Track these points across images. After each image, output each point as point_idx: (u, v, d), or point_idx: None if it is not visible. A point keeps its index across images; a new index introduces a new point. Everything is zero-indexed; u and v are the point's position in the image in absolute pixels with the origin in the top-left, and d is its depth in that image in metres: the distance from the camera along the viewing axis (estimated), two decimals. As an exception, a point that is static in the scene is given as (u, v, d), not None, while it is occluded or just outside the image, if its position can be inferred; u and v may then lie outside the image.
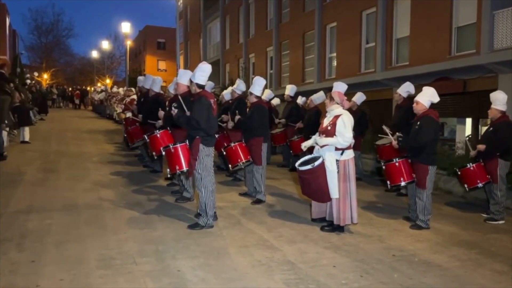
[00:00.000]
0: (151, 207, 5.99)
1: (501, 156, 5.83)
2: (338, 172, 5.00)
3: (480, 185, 6.01)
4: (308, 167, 5.04)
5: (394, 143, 5.71)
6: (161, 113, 5.99)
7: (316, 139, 5.20)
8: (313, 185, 5.09)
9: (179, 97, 5.49)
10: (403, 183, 5.61)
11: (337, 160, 5.01)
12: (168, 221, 5.35)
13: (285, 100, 10.05)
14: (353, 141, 5.16)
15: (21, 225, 4.95)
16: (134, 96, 11.73)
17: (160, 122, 6.79)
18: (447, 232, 5.38)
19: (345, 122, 4.97)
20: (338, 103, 5.17)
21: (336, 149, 5.02)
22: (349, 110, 8.42)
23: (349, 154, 5.09)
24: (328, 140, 5.02)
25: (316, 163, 4.99)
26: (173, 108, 5.20)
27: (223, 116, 7.54)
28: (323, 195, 5.08)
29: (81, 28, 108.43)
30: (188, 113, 5.11)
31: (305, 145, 5.43)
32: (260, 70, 22.51)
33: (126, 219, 5.35)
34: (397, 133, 5.83)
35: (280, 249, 4.52)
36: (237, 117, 6.76)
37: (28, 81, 22.18)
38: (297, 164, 5.27)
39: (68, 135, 14.11)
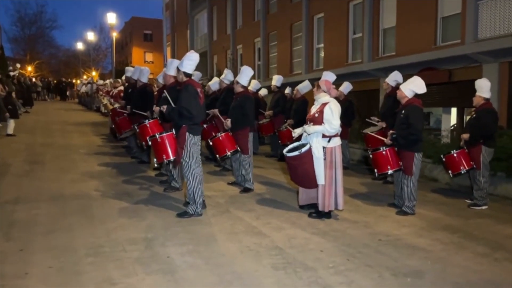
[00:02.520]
0: (140, 197, 5.99)
1: (484, 143, 5.94)
2: (324, 159, 5.07)
3: (463, 171, 6.12)
4: (295, 153, 5.11)
5: (387, 141, 5.74)
6: (156, 108, 6.01)
7: (304, 127, 5.25)
8: (300, 171, 5.15)
9: (165, 92, 5.49)
10: (390, 171, 5.69)
11: (324, 147, 5.08)
12: (157, 210, 5.36)
13: (272, 91, 10.11)
14: (340, 129, 5.23)
15: (8, 216, 4.92)
16: (121, 88, 11.64)
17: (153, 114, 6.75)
18: (431, 218, 5.50)
19: (333, 109, 5.03)
20: (325, 91, 5.22)
21: (323, 136, 5.08)
22: (336, 99, 8.54)
23: (336, 142, 5.15)
24: (316, 128, 5.07)
25: (303, 149, 5.07)
26: (162, 106, 5.21)
27: (212, 110, 7.53)
28: (310, 181, 5.15)
29: (65, 20, 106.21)
30: (173, 105, 5.14)
31: (295, 131, 5.47)
32: (248, 61, 22.45)
33: (115, 209, 5.35)
34: (390, 131, 5.81)
35: (268, 235, 4.57)
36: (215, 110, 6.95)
37: (12, 73, 21.80)
38: (285, 150, 5.34)
39: (54, 127, 13.94)
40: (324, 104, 5.11)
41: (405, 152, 5.52)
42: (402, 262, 3.95)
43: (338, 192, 5.18)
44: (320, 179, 5.09)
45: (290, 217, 5.29)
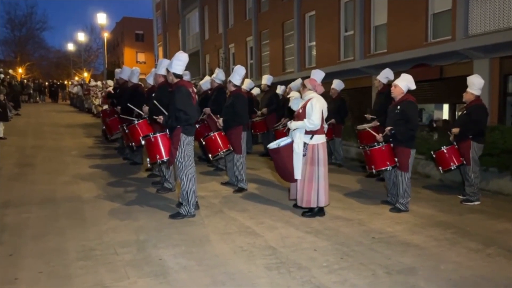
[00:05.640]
0: (132, 198, 5.94)
1: (474, 139, 5.94)
2: (304, 155, 5.15)
3: (453, 167, 6.12)
4: (274, 146, 5.31)
5: (379, 137, 5.69)
6: (145, 108, 5.98)
7: (288, 123, 5.45)
8: (279, 164, 5.36)
9: (155, 102, 5.45)
10: (389, 168, 5.59)
11: (305, 143, 5.15)
12: (149, 212, 5.32)
13: (263, 90, 10.20)
14: (326, 126, 5.36)
15: (-2, 220, 4.85)
16: (110, 89, 11.56)
17: (142, 113, 6.71)
18: (425, 214, 5.50)
19: (313, 105, 5.10)
20: (311, 89, 5.28)
21: (306, 132, 5.14)
22: (330, 97, 8.56)
23: (319, 139, 5.20)
24: (297, 123, 5.19)
25: (282, 143, 5.26)
26: (158, 117, 5.21)
27: (205, 109, 7.52)
28: (289, 175, 5.31)
29: (55, 21, 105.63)
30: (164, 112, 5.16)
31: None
32: (240, 60, 22.40)
33: (107, 211, 5.31)
34: (388, 127, 5.73)
35: (261, 235, 4.55)
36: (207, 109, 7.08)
37: (2, 76, 21.57)
38: (269, 144, 5.57)
39: (46, 129, 13.83)
40: (308, 100, 5.19)
41: (402, 149, 5.49)
42: (395, 259, 3.95)
43: (320, 189, 5.20)
44: (297, 173, 5.18)
45: (283, 216, 5.28)
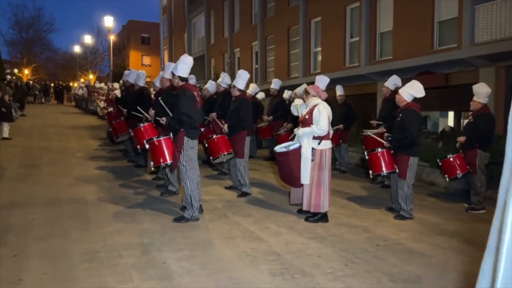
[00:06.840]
0: (136, 201, 5.95)
1: (480, 147, 5.93)
2: (313, 160, 5.15)
3: (460, 175, 6.11)
4: (283, 150, 5.29)
5: (386, 144, 5.77)
6: (151, 112, 6.01)
7: (294, 130, 5.45)
8: (285, 168, 5.34)
9: (160, 100, 5.48)
10: (384, 173, 5.74)
11: (313, 149, 5.17)
12: (153, 215, 5.32)
13: (271, 94, 10.10)
14: (331, 131, 5.37)
15: (3, 220, 4.86)
16: (117, 91, 11.60)
17: (149, 117, 6.72)
18: (430, 222, 5.48)
19: (321, 111, 5.13)
20: (314, 96, 5.31)
21: (314, 138, 5.17)
22: (336, 103, 8.59)
23: (326, 144, 5.24)
24: (305, 130, 5.20)
25: (291, 147, 5.25)
26: (161, 119, 5.23)
27: (211, 115, 7.54)
28: (293, 180, 5.30)
29: (62, 23, 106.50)
30: (169, 113, 5.17)
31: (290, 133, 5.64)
32: (245, 64, 22.47)
33: (111, 213, 5.31)
34: (385, 134, 5.87)
35: (265, 240, 4.54)
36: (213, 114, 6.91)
37: (8, 77, 21.71)
38: (275, 147, 5.54)
39: (51, 131, 13.88)
40: (314, 106, 5.21)
41: (401, 156, 5.53)
42: (400, 267, 3.92)
43: (325, 194, 5.21)
44: (304, 178, 5.17)
45: (287, 221, 5.26)
